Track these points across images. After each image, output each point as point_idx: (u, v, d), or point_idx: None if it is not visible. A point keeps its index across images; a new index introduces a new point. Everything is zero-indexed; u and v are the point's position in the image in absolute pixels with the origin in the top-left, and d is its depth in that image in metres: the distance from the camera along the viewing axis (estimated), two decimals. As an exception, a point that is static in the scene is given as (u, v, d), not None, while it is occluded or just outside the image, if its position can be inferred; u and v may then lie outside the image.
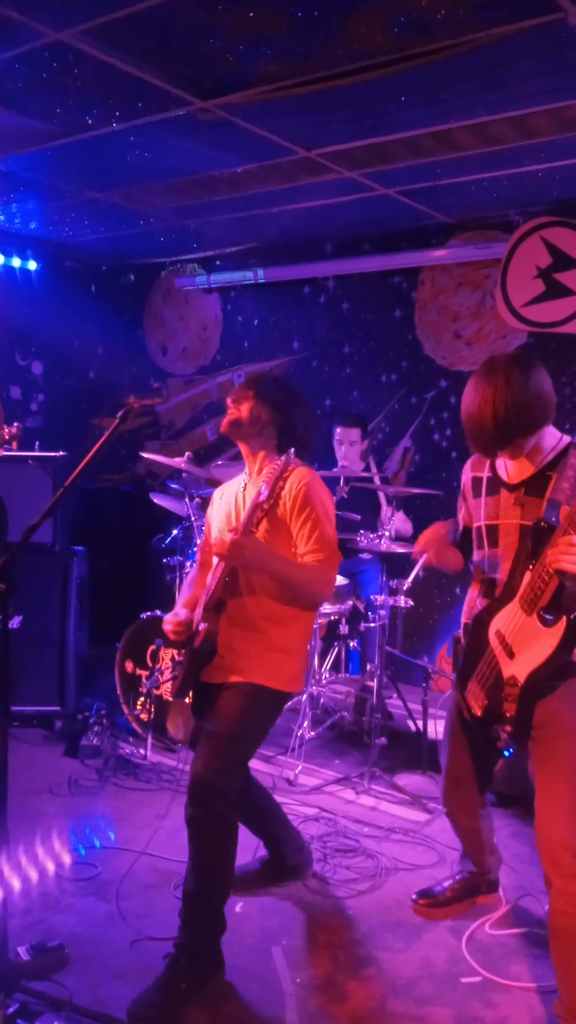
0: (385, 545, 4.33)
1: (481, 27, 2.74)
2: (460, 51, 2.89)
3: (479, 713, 2.49)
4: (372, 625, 4.46)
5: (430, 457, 5.53)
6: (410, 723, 4.45)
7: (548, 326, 4.82)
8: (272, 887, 3.14)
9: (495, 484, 2.60)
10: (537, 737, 2.43)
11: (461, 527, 2.83)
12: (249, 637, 2.72)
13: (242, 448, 2.89)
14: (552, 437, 2.51)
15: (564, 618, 2.29)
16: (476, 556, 2.69)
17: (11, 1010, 2.36)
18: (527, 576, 2.36)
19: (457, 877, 3.08)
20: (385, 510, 4.52)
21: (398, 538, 4.66)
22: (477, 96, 3.26)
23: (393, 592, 4.47)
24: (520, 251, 4.85)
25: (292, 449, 2.63)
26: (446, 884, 3.07)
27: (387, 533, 4.38)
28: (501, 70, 3.05)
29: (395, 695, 4.55)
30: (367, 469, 5.22)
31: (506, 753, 2.44)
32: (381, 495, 4.99)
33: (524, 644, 2.36)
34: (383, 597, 4.36)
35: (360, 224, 5.37)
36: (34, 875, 3.21)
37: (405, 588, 4.53)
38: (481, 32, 2.77)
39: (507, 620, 2.42)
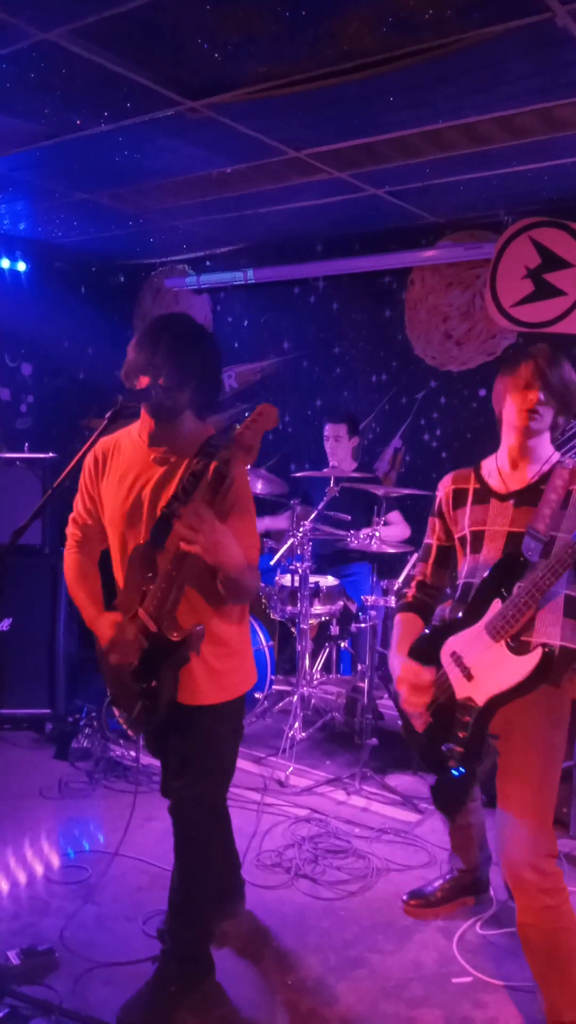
0: (376, 546, 4.32)
1: (469, 27, 2.74)
2: (448, 51, 2.88)
3: (421, 729, 2.52)
4: (363, 626, 4.46)
5: (420, 457, 5.54)
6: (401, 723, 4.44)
7: (537, 326, 4.83)
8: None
9: (483, 494, 2.60)
10: (500, 747, 2.43)
11: (434, 547, 2.76)
12: (204, 650, 2.39)
13: (159, 427, 2.43)
14: (547, 449, 2.53)
15: (540, 649, 2.31)
16: (459, 565, 2.68)
17: (1, 1014, 2.35)
18: (496, 604, 2.38)
19: (447, 877, 3.08)
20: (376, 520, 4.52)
21: (396, 541, 4.67)
22: (465, 96, 3.26)
23: (384, 592, 4.47)
24: (509, 251, 4.86)
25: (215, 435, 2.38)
26: (436, 884, 3.07)
27: (376, 534, 4.38)
28: (489, 70, 3.04)
29: (386, 696, 4.54)
30: (359, 469, 5.21)
31: (455, 773, 2.42)
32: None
33: (487, 668, 2.38)
34: (374, 597, 4.36)
35: (350, 224, 5.37)
36: (23, 878, 3.20)
37: (396, 588, 4.53)
38: (469, 32, 2.77)
39: (467, 643, 2.43)
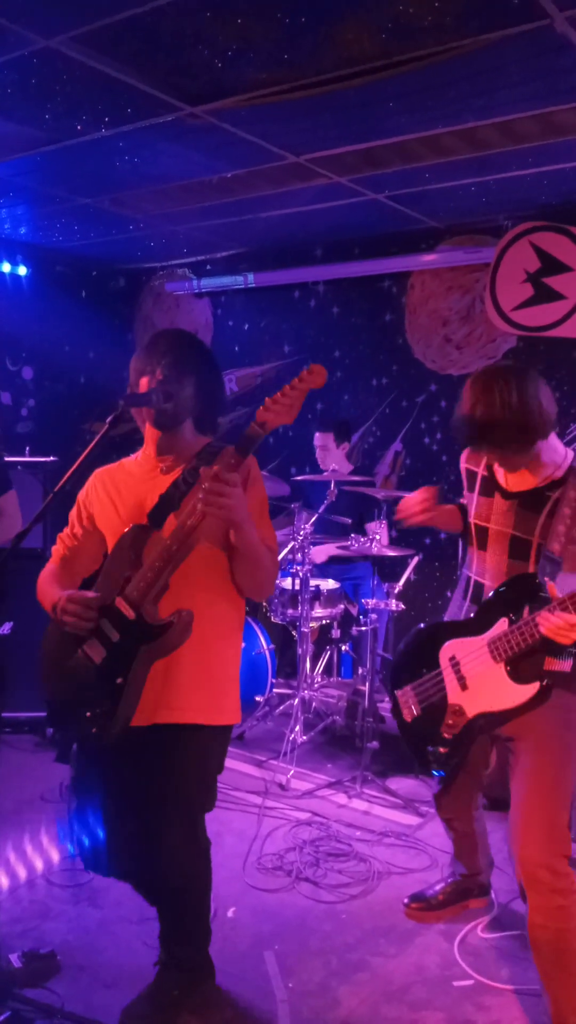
0: (376, 549, 4.33)
1: (468, 34, 2.75)
2: (447, 57, 2.90)
3: (408, 720, 2.54)
4: (364, 629, 4.47)
5: (421, 461, 5.54)
6: (402, 727, 4.45)
7: (537, 330, 4.84)
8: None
9: (490, 485, 2.55)
10: (514, 749, 2.44)
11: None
12: (183, 658, 2.22)
13: (150, 432, 2.41)
14: (555, 453, 2.42)
15: (537, 683, 2.31)
16: (466, 552, 2.69)
17: (3, 1017, 2.35)
18: (503, 623, 2.38)
19: (449, 880, 3.08)
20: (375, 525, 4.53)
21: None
22: (464, 102, 3.28)
23: (385, 595, 4.48)
24: (509, 255, 4.87)
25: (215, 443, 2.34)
26: (438, 888, 3.07)
27: (377, 537, 4.39)
28: (488, 76, 3.06)
29: (387, 699, 4.54)
30: (357, 472, 5.22)
31: (435, 773, 2.45)
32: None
33: (482, 685, 2.39)
34: (375, 601, 4.36)
35: (350, 229, 5.38)
36: (25, 882, 3.20)
37: (397, 591, 4.54)
38: (468, 38, 2.78)
39: (468, 653, 2.43)
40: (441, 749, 2.42)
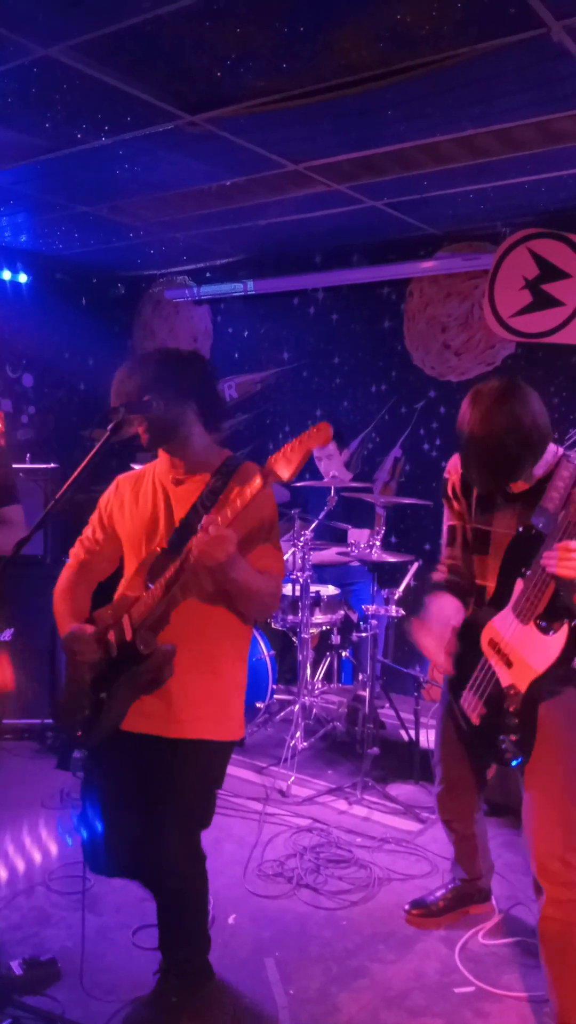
0: (376, 555, 4.34)
1: (466, 42, 2.77)
2: (445, 66, 2.92)
3: (477, 722, 2.44)
4: (364, 635, 4.47)
5: (420, 467, 5.55)
6: (402, 733, 4.45)
7: (536, 336, 4.85)
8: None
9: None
10: None
11: (458, 527, 2.72)
12: (189, 670, 2.26)
13: (173, 446, 2.40)
14: (547, 453, 2.47)
15: (566, 624, 2.26)
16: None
17: (3, 1025, 2.35)
18: (519, 584, 2.35)
19: (449, 886, 3.08)
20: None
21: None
22: (462, 110, 3.29)
23: (385, 602, 4.48)
24: (507, 262, 4.89)
25: (232, 455, 2.40)
26: (439, 894, 3.07)
27: (377, 543, 4.39)
28: (486, 84, 3.08)
29: (387, 705, 4.55)
30: (357, 479, 5.23)
31: (514, 763, 2.34)
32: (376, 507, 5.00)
33: (522, 653, 2.32)
34: (375, 607, 4.37)
35: (349, 236, 5.40)
36: (26, 889, 3.20)
37: (396, 598, 4.54)
38: (465, 47, 2.80)
39: (501, 629, 2.39)
40: (512, 736, 2.34)
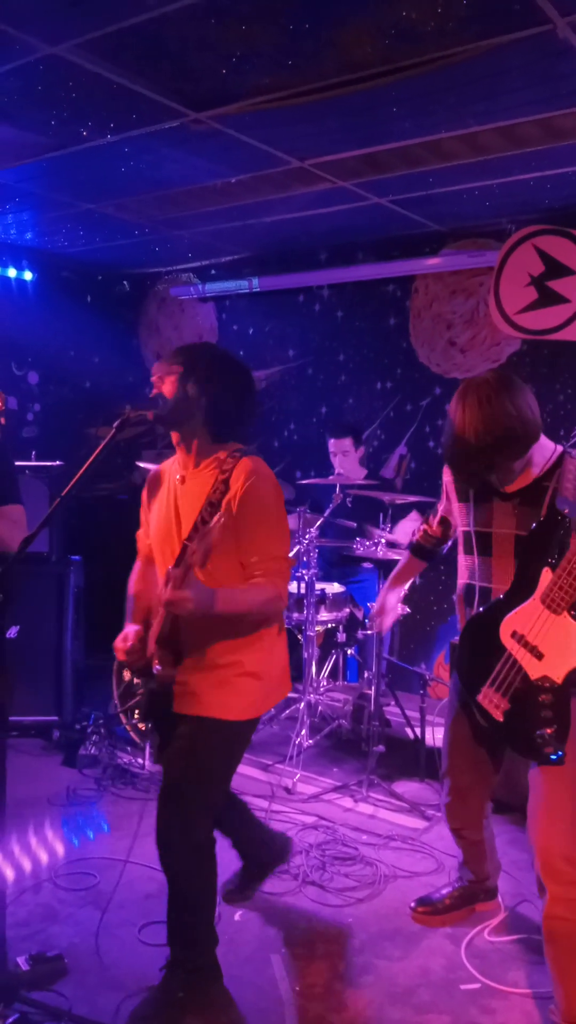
0: (382, 552, 4.33)
1: (470, 39, 2.76)
2: (450, 63, 2.91)
3: (501, 719, 2.37)
4: (369, 632, 4.47)
5: (425, 464, 5.55)
6: (408, 730, 4.45)
7: (541, 333, 4.85)
8: (256, 890, 3.12)
9: (486, 491, 2.57)
10: None
11: (439, 516, 2.96)
12: (207, 660, 2.45)
13: (173, 437, 2.52)
14: (545, 449, 2.48)
15: None
16: (465, 562, 2.69)
17: (11, 1020, 2.36)
18: (546, 574, 2.28)
19: (456, 885, 3.08)
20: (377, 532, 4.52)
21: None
22: (467, 107, 3.29)
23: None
24: (513, 259, 4.88)
25: (239, 448, 2.46)
26: (444, 891, 3.07)
27: (383, 540, 4.39)
28: (491, 81, 3.07)
29: (393, 702, 4.55)
30: (369, 476, 5.20)
31: (553, 757, 2.29)
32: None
33: (556, 643, 2.27)
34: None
35: (353, 233, 5.40)
36: (32, 885, 3.21)
37: (402, 595, 4.53)
38: (470, 44, 2.79)
39: (527, 621, 2.32)
40: (548, 730, 2.28)
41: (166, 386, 2.42)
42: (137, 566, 2.76)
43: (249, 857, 3.09)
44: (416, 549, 3.12)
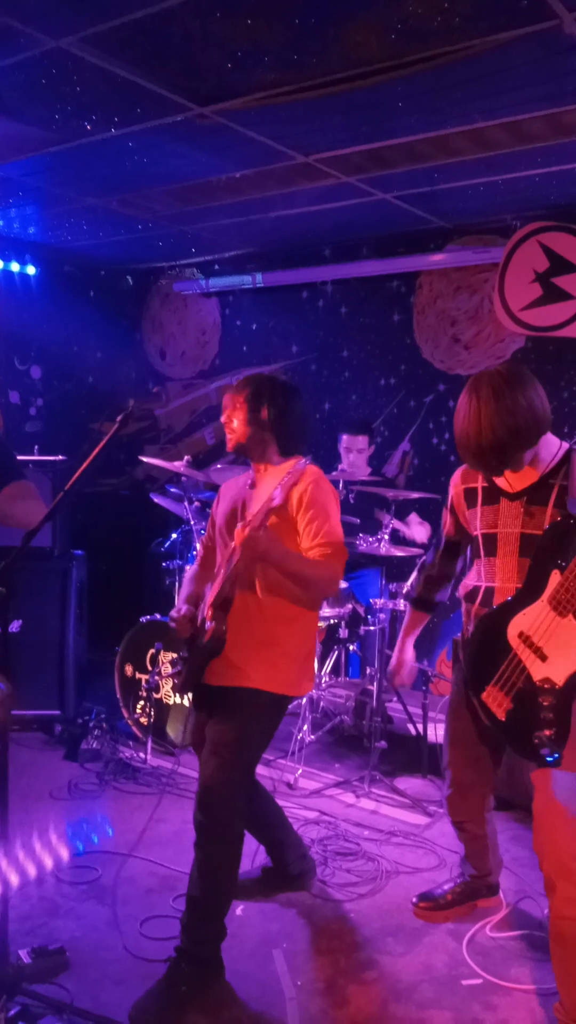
0: (384, 549, 4.33)
1: (476, 35, 2.76)
2: (456, 58, 2.90)
3: (503, 718, 2.38)
4: (372, 628, 4.47)
5: (428, 461, 5.55)
6: (410, 727, 4.45)
7: (546, 330, 4.83)
8: (272, 896, 3.13)
9: (493, 493, 2.57)
10: None
11: (444, 538, 2.90)
12: (251, 638, 2.68)
13: (250, 457, 2.86)
14: (551, 446, 2.48)
15: None
16: (473, 565, 2.70)
17: (12, 1012, 2.37)
18: (555, 576, 2.28)
19: (458, 880, 3.08)
20: (387, 517, 4.51)
21: (413, 543, 4.67)
22: (473, 102, 3.28)
23: (392, 595, 4.48)
24: (518, 255, 4.87)
25: (305, 458, 2.67)
26: (446, 887, 3.07)
27: (386, 536, 4.39)
28: (497, 77, 3.06)
29: (395, 699, 4.55)
30: (375, 473, 5.19)
31: (549, 759, 2.30)
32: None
33: (559, 646, 2.27)
34: (383, 600, 4.37)
35: (358, 229, 5.39)
36: (35, 879, 3.22)
37: (405, 591, 4.54)
38: (477, 39, 2.79)
39: (533, 622, 2.31)
40: (547, 732, 2.28)
41: (236, 412, 2.75)
42: (195, 563, 3.06)
43: (278, 863, 3.13)
44: (417, 603, 3.06)
